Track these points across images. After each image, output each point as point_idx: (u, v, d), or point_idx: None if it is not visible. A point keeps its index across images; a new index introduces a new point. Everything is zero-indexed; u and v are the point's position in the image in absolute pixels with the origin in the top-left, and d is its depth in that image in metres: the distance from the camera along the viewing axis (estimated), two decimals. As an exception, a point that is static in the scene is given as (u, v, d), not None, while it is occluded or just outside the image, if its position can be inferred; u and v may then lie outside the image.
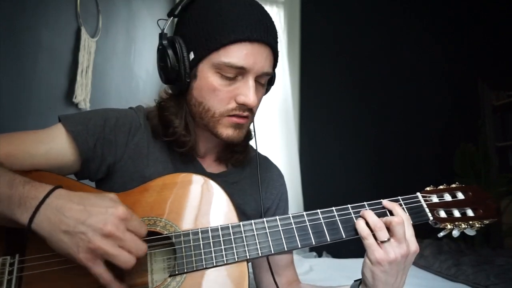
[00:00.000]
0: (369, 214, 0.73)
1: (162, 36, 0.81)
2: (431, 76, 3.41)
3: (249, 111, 0.80)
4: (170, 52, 0.79)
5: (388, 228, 0.71)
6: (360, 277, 0.76)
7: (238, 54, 0.75)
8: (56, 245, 0.60)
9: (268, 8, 2.93)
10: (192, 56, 0.78)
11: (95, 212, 0.60)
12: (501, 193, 2.99)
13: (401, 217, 0.72)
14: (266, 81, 0.84)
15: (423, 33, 3.42)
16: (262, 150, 1.04)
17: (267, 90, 0.90)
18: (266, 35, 0.77)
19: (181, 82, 0.80)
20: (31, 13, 1.36)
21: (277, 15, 3.01)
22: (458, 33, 3.51)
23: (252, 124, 0.92)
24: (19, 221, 0.60)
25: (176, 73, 0.79)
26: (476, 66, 3.51)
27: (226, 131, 0.80)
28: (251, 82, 0.77)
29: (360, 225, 0.73)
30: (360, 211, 0.76)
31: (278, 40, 0.84)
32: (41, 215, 0.60)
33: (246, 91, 0.77)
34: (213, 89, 0.78)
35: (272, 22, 0.82)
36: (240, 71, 0.77)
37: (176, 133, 0.83)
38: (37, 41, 1.40)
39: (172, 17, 0.84)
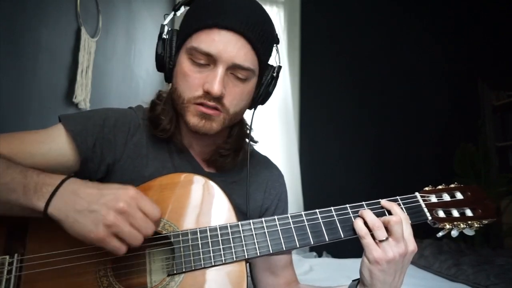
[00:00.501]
0: (367, 214, 0.73)
1: (161, 27, 0.83)
2: (431, 76, 3.41)
3: (216, 102, 0.78)
4: (160, 42, 0.82)
5: (387, 228, 0.71)
6: (359, 276, 0.76)
7: (207, 40, 0.75)
8: (71, 226, 0.62)
9: (268, 8, 2.94)
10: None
11: (107, 193, 0.63)
12: (501, 193, 2.99)
13: (399, 216, 0.72)
14: (247, 77, 0.79)
15: (423, 33, 3.42)
16: (261, 150, 1.04)
17: (267, 94, 0.87)
18: (240, 25, 0.75)
19: (165, 69, 0.83)
20: (31, 13, 1.36)
21: (277, 15, 3.02)
22: (458, 33, 3.51)
23: (248, 127, 0.91)
24: (35, 207, 0.63)
25: (162, 59, 0.82)
26: (476, 66, 3.51)
27: (193, 119, 0.79)
28: (219, 70, 0.76)
29: (358, 224, 0.73)
30: (358, 210, 0.76)
31: (279, 39, 0.83)
32: (57, 198, 0.63)
33: (213, 79, 0.76)
34: (184, 74, 0.79)
35: (258, 16, 0.79)
36: (210, 59, 0.76)
37: (154, 115, 0.85)
38: (37, 41, 1.40)
39: (173, 12, 0.86)
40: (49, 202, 0.62)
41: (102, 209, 0.61)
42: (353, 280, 0.79)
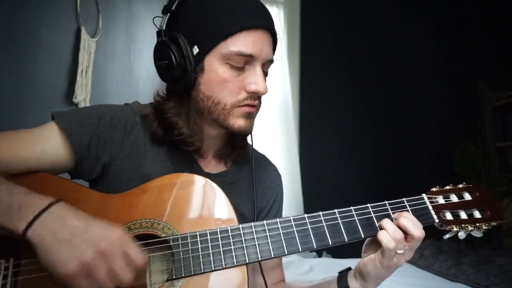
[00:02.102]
0: (389, 225, 0.72)
1: (161, 33, 0.78)
2: (431, 76, 3.41)
3: (258, 99, 0.81)
4: (174, 48, 0.76)
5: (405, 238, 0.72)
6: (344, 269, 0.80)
7: (246, 42, 0.75)
8: (45, 254, 0.58)
9: (268, 8, 2.93)
10: (196, 50, 0.76)
11: (94, 228, 0.60)
12: (501, 193, 2.99)
13: (423, 233, 0.72)
14: (268, 68, 0.83)
15: (423, 33, 3.41)
16: (262, 150, 1.04)
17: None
18: (267, 21, 0.79)
19: (187, 78, 0.77)
20: (31, 13, 1.35)
21: (277, 15, 3.01)
22: (458, 33, 3.51)
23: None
24: (15, 227, 0.59)
25: (181, 69, 0.76)
26: (476, 66, 3.51)
27: (238, 122, 0.79)
28: (258, 69, 0.77)
29: (386, 237, 0.71)
30: (363, 213, 0.75)
31: (278, 39, 0.84)
32: (41, 221, 0.59)
33: (256, 79, 0.77)
34: (223, 81, 0.77)
35: (267, 8, 0.83)
36: (248, 59, 0.76)
37: (183, 134, 0.80)
38: (37, 41, 1.40)
39: (168, 13, 0.79)
40: (30, 224, 0.58)
41: (82, 245, 0.57)
42: (339, 272, 0.81)
